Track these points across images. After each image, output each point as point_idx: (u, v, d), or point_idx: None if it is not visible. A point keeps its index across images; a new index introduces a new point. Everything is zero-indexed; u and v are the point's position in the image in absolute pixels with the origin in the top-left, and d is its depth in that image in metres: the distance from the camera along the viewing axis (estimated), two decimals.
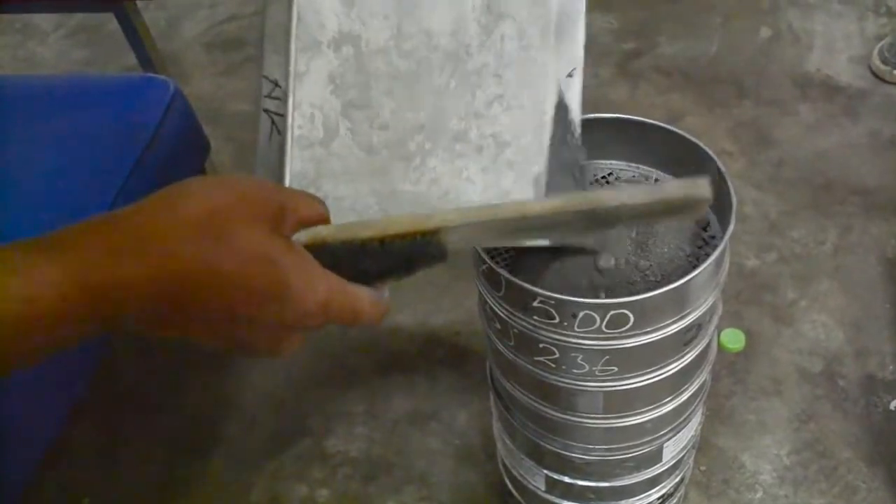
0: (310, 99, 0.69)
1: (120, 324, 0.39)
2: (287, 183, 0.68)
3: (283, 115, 0.69)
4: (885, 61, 1.83)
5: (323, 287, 0.43)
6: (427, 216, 0.50)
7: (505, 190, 0.69)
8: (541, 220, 0.52)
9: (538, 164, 0.70)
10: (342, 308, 0.45)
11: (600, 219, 0.52)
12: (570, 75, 0.71)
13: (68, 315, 0.37)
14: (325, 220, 0.48)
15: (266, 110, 0.70)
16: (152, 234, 0.39)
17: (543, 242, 0.74)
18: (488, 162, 0.70)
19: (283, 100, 0.69)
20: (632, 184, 0.53)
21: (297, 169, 0.69)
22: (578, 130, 0.71)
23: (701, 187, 0.51)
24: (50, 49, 2.34)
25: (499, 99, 0.71)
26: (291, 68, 0.68)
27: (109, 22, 1.46)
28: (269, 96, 0.70)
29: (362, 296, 0.46)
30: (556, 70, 0.71)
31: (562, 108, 0.71)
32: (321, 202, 0.48)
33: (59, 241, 0.38)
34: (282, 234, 0.43)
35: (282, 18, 0.69)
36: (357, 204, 0.69)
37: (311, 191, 0.66)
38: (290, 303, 0.41)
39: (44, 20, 2.41)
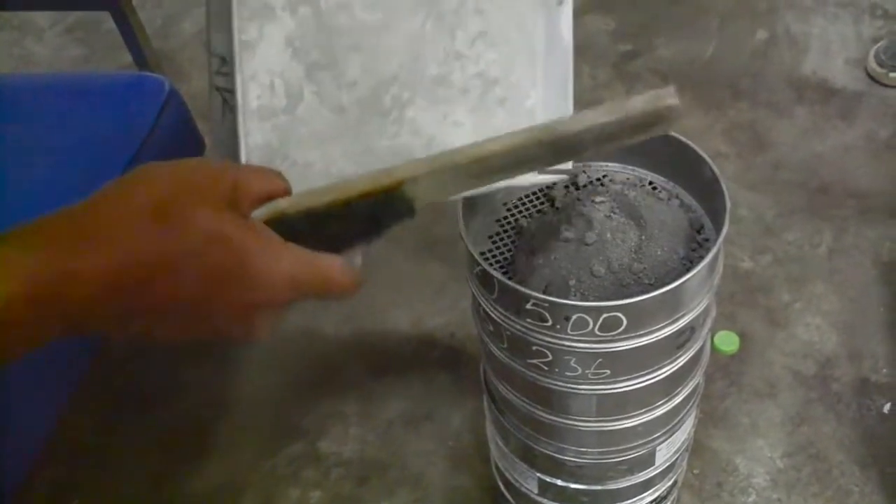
0: (267, 67, 0.64)
1: (82, 322, 0.38)
2: (243, 158, 0.65)
3: (233, 91, 0.65)
4: (881, 64, 1.83)
5: (286, 260, 0.42)
6: (386, 171, 0.48)
7: (496, 128, 0.66)
8: (504, 157, 0.50)
9: (532, 96, 0.68)
10: (311, 279, 0.43)
11: (565, 147, 0.50)
12: (559, 2, 0.68)
13: (24, 315, 0.36)
14: (284, 192, 0.46)
15: (217, 88, 0.66)
16: (104, 225, 0.38)
17: (520, 183, 0.70)
18: (476, 102, 0.68)
19: (231, 74, 0.65)
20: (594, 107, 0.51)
21: (258, 141, 0.65)
22: (571, 59, 0.69)
23: (667, 97, 0.48)
24: (46, 46, 2.33)
25: (482, 36, 0.67)
26: (235, 38, 0.64)
27: (107, 19, 1.46)
28: (218, 72, 0.66)
29: (331, 264, 0.44)
30: None
31: (553, 37, 0.68)
32: (278, 174, 0.47)
33: (9, 239, 0.37)
34: (238, 212, 0.42)
35: None
36: (330, 168, 0.66)
37: (278, 161, 0.64)
38: (253, 280, 0.40)
39: (41, 17, 2.40)
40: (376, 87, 0.67)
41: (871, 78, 1.85)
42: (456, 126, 0.67)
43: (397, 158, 0.59)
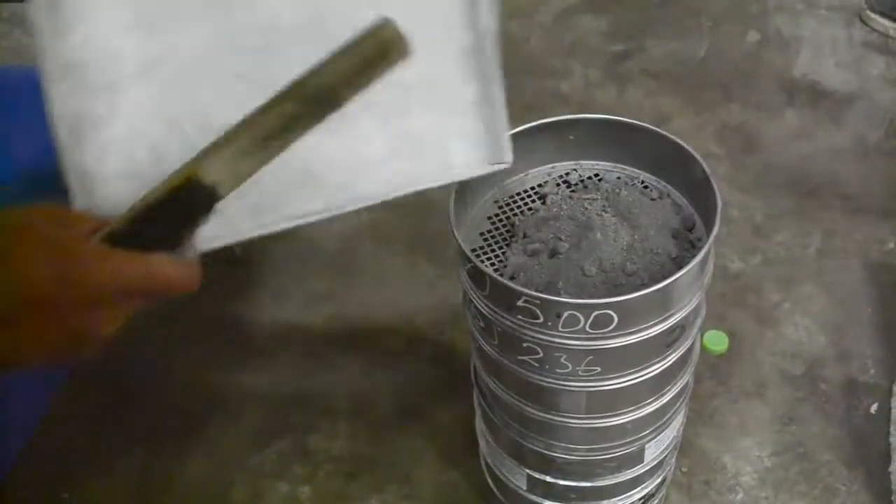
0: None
1: None
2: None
3: None
4: (872, 8, 1.93)
5: (114, 259, 0.48)
6: (176, 171, 0.52)
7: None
8: (272, 123, 0.52)
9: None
10: (140, 273, 0.49)
11: (318, 99, 0.53)
12: None
13: None
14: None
15: None
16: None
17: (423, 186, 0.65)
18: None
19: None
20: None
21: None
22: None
23: (387, 29, 0.51)
24: None
25: None
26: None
27: None
28: None
29: (161, 259, 0.50)
30: None
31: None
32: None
33: None
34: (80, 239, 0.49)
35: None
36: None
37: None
38: (83, 279, 0.47)
39: None
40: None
41: (871, 28, 1.95)
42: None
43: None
